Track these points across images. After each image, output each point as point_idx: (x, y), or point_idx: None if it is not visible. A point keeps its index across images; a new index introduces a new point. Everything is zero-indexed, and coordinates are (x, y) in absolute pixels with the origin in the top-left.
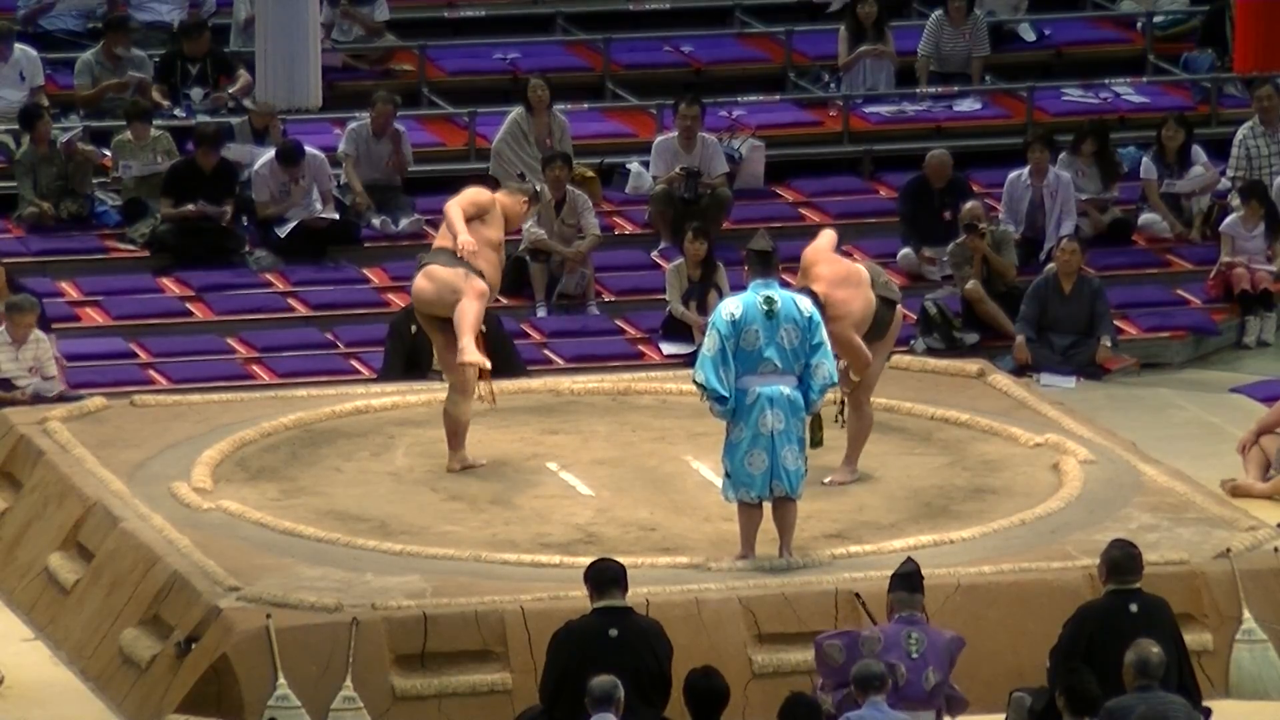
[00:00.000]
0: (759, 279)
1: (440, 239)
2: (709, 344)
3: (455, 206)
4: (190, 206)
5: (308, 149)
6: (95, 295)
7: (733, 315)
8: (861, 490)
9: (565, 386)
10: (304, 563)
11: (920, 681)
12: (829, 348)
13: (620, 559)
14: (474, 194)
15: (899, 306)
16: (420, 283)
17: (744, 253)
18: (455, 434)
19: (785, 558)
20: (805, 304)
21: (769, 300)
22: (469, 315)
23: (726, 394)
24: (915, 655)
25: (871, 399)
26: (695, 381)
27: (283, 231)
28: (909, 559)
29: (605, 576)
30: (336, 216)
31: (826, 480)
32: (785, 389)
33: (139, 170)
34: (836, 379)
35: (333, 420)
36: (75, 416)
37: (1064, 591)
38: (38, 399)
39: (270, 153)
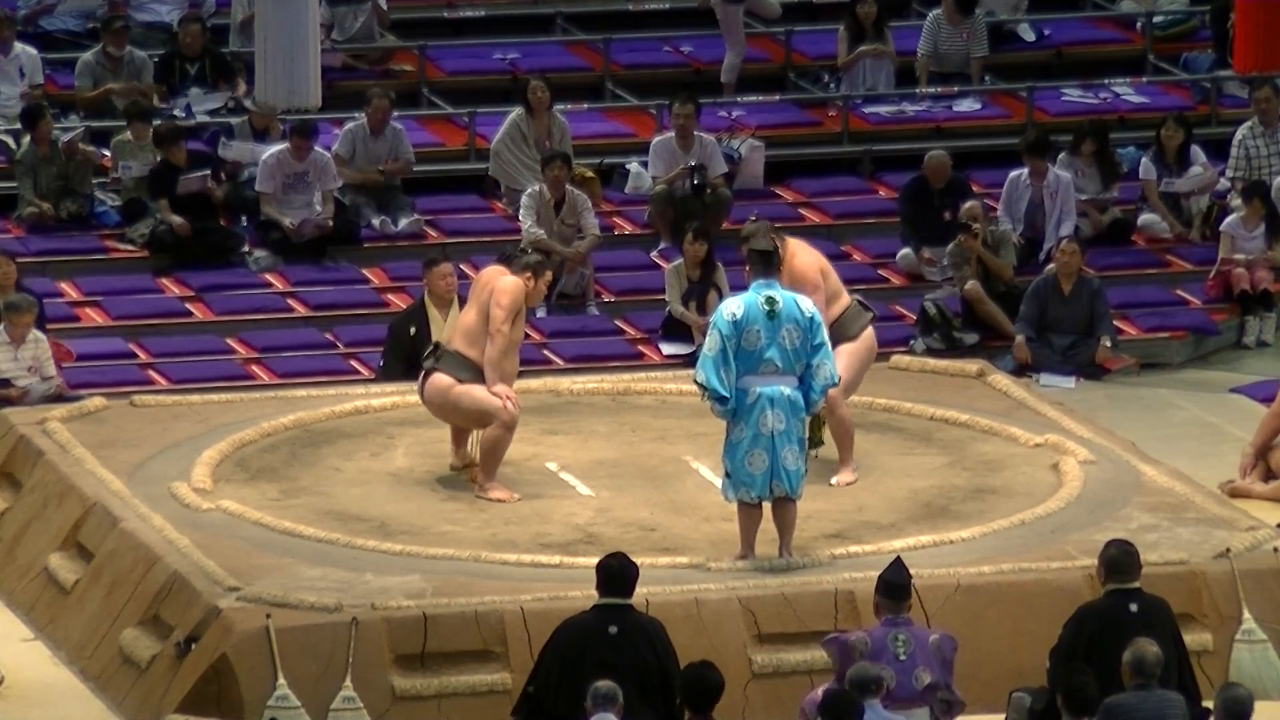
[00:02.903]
0: (760, 279)
1: (463, 324)
2: (710, 344)
3: (506, 325)
4: (178, 188)
5: (314, 148)
6: (95, 295)
7: (734, 315)
8: (861, 490)
9: (565, 386)
10: (304, 563)
11: (910, 682)
12: (830, 348)
13: (634, 562)
14: (518, 297)
15: (870, 326)
16: (440, 401)
17: (744, 252)
18: (460, 437)
19: (785, 558)
20: (807, 305)
21: (770, 300)
22: (499, 450)
23: (727, 394)
24: (903, 657)
25: (873, 401)
26: (696, 381)
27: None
28: (897, 561)
29: (616, 582)
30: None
31: (834, 481)
32: (786, 389)
33: (139, 170)
34: (838, 379)
35: (333, 420)
36: (75, 416)
37: (1064, 591)
38: (39, 399)
39: (278, 145)
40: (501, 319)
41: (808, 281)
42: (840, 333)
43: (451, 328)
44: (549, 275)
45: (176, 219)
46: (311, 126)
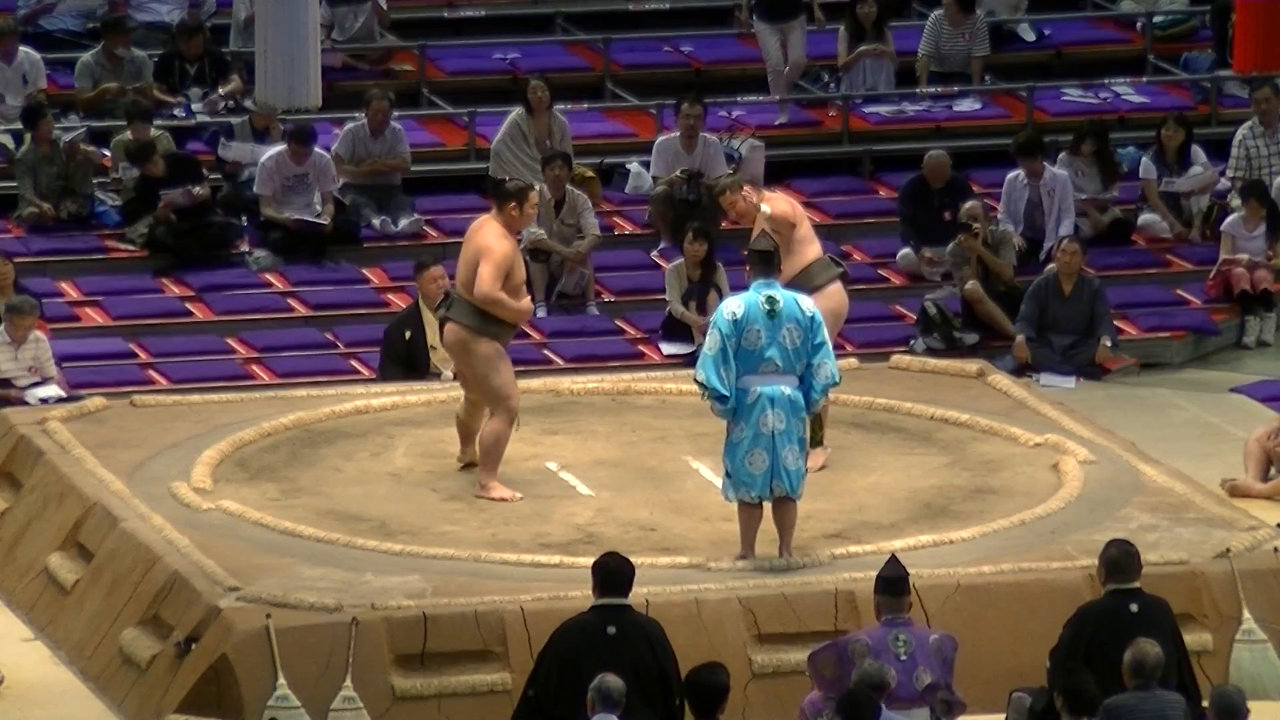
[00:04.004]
0: (761, 279)
1: (460, 276)
2: (710, 343)
3: (497, 293)
4: (160, 205)
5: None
6: (95, 295)
7: (734, 314)
8: (861, 490)
9: (565, 386)
10: (304, 563)
11: (911, 682)
12: (830, 347)
13: (629, 560)
14: (501, 263)
15: (840, 283)
16: (460, 351)
17: (745, 252)
18: (467, 437)
19: (785, 558)
20: (807, 304)
21: (771, 300)
22: (499, 446)
23: (727, 393)
24: (904, 657)
25: (874, 401)
26: (696, 380)
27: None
28: (893, 559)
29: (613, 579)
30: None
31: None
32: (786, 389)
33: (139, 170)
34: (839, 379)
35: (333, 420)
36: (75, 416)
37: (1064, 591)
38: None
39: (277, 147)
40: (488, 284)
41: (781, 216)
42: (806, 281)
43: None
44: (534, 196)
45: (171, 216)
46: (309, 133)
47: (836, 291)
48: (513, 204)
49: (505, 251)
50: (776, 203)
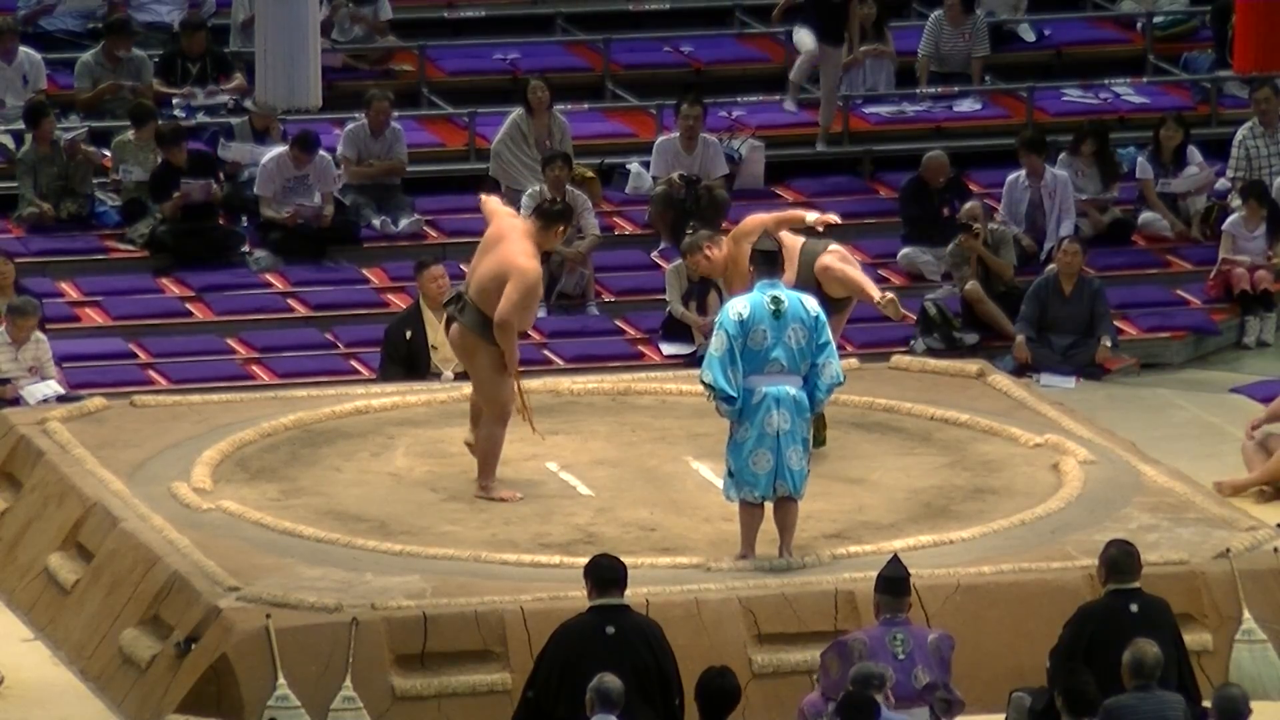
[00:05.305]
0: (765, 279)
1: (477, 278)
2: (717, 344)
3: (513, 323)
4: (175, 194)
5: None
6: (95, 295)
7: (740, 315)
8: (861, 490)
9: (565, 386)
10: (304, 563)
11: (909, 681)
12: (834, 347)
13: (620, 559)
14: (529, 292)
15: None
16: (463, 354)
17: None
18: (477, 418)
19: (785, 558)
20: (812, 304)
21: (776, 300)
22: (495, 448)
23: (735, 394)
24: (902, 656)
25: (874, 401)
26: (703, 381)
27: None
28: (895, 559)
29: (607, 576)
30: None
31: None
32: (791, 389)
33: (140, 175)
34: (843, 378)
35: (333, 420)
36: (75, 416)
37: (1064, 591)
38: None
39: (279, 148)
40: (509, 310)
41: (751, 224)
42: (810, 255)
43: (471, 271)
44: (566, 226)
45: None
46: (313, 141)
47: (838, 249)
48: (563, 226)
49: (536, 277)
50: (747, 226)
